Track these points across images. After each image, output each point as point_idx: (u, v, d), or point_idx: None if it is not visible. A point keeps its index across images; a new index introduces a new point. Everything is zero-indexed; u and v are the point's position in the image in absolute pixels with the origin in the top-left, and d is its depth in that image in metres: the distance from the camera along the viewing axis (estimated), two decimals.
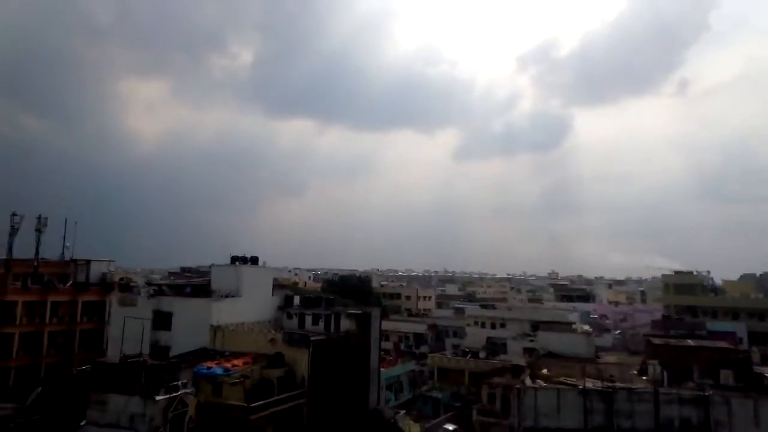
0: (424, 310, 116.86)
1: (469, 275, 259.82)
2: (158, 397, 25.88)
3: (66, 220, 53.79)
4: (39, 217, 51.98)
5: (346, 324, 50.79)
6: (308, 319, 52.19)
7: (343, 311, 50.72)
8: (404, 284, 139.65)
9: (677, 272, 73.59)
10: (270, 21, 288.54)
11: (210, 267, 55.67)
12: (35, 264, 52.76)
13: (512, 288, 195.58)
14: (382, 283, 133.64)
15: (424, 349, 74.71)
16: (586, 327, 52.47)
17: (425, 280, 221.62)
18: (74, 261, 56.82)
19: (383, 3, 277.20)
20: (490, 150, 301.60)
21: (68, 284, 53.64)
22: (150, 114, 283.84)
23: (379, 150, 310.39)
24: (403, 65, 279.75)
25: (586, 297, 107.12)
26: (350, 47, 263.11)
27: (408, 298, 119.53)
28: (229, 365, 39.50)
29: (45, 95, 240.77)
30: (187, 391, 27.86)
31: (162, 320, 47.01)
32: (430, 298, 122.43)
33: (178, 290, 49.77)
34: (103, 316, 55.52)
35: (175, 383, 27.43)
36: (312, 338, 42.06)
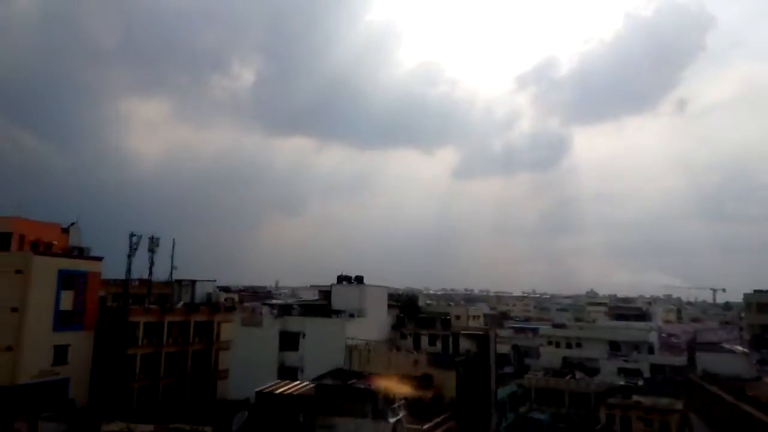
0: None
1: (486, 293, 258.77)
2: (391, 419, 25.78)
3: (174, 240, 53.89)
4: (152, 238, 52.17)
5: (465, 344, 50.70)
6: (424, 339, 52.12)
7: (460, 332, 50.64)
8: (451, 303, 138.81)
9: (757, 291, 73.38)
10: (272, 42, 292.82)
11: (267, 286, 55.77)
12: (149, 284, 52.75)
13: (535, 307, 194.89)
14: (427, 302, 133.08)
15: (508, 369, 74.16)
16: (738, 348, 52.24)
17: (447, 298, 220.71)
18: (179, 281, 56.80)
19: (385, 24, 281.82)
20: (490, 169, 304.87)
21: (180, 305, 53.57)
22: (151, 134, 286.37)
23: (379, 168, 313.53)
24: (404, 84, 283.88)
25: (642, 316, 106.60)
26: (351, 67, 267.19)
27: (458, 317, 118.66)
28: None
29: (46, 116, 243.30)
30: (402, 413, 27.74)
31: (289, 341, 46.85)
32: (479, 317, 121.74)
33: (296, 310, 49.60)
34: (210, 336, 55.40)
35: (394, 405, 27.31)
36: (456, 359, 41.96)
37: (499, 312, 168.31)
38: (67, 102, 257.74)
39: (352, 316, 47.23)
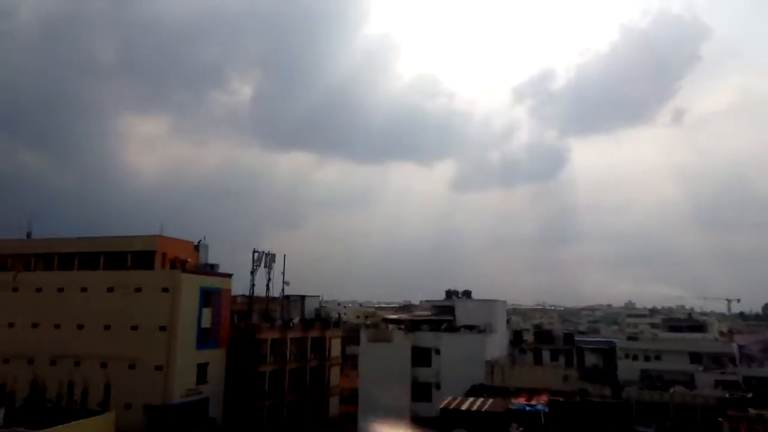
0: None
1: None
2: None
3: (285, 255, 53.73)
4: (267, 254, 52.00)
5: (591, 359, 50.63)
6: (545, 355, 52.02)
7: (585, 346, 50.56)
8: None
9: None
10: (270, 57, 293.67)
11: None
12: (267, 301, 52.60)
13: (559, 318, 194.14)
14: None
15: None
16: None
17: None
18: (288, 297, 56.66)
19: (382, 37, 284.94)
20: (489, 181, 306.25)
21: (296, 321, 53.41)
22: (149, 150, 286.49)
23: (378, 182, 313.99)
24: (402, 98, 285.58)
25: (698, 327, 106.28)
26: (350, 80, 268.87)
27: None
28: (535, 402, 39.20)
29: (43, 132, 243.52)
30: None
31: (421, 356, 46.70)
32: (528, 331, 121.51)
33: (417, 326, 49.39)
34: (323, 352, 55.22)
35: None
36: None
37: (533, 325, 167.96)
38: (64, 117, 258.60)
39: (482, 331, 47.11)
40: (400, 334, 47.89)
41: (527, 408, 37.78)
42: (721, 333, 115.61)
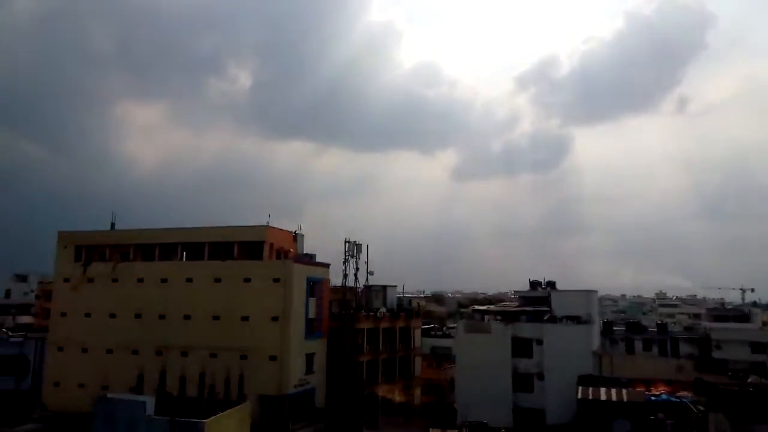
0: None
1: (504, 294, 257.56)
2: None
3: (368, 245, 53.27)
4: (354, 243, 51.55)
5: (686, 348, 50.46)
6: (638, 345, 51.88)
7: (680, 335, 50.37)
8: None
9: None
10: (269, 45, 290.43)
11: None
12: (356, 291, 52.31)
13: None
14: None
15: None
16: None
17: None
18: (370, 287, 56.36)
19: (383, 25, 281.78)
20: (491, 170, 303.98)
21: (384, 311, 53.19)
22: (148, 138, 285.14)
23: (379, 171, 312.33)
24: (403, 86, 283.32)
25: (744, 317, 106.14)
26: (350, 69, 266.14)
27: None
28: (657, 393, 39.02)
29: (41, 121, 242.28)
30: None
31: (521, 347, 46.49)
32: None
33: (515, 316, 49.15)
34: (409, 342, 55.10)
35: None
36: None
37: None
38: (62, 106, 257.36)
39: (586, 322, 46.84)
40: (498, 325, 47.67)
41: (669, 398, 37.35)
42: (764, 323, 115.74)
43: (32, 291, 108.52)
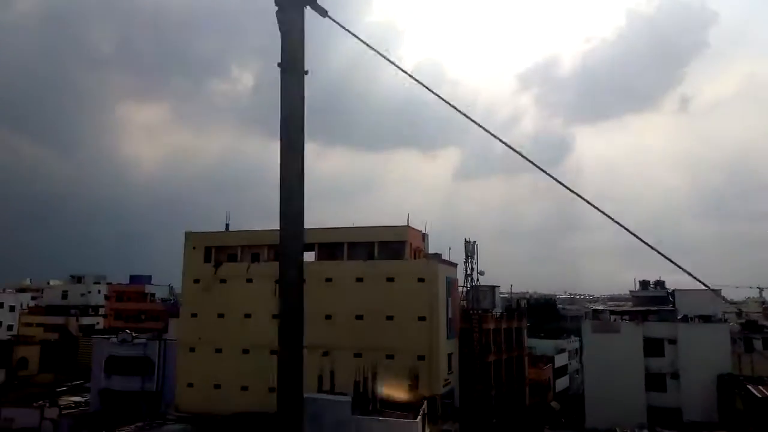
0: None
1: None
2: None
3: (476, 243, 53.02)
4: (468, 241, 51.45)
5: None
6: (756, 343, 51.64)
7: None
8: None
9: None
10: (271, 45, 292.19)
11: None
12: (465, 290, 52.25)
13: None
14: (563, 306, 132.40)
15: None
16: None
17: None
18: (478, 287, 56.30)
19: (385, 25, 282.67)
20: (493, 169, 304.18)
21: (498, 311, 53.20)
22: (150, 139, 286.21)
23: (381, 171, 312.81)
24: (405, 86, 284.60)
25: None
26: (352, 69, 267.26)
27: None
28: None
29: (43, 122, 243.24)
30: None
31: (652, 346, 46.42)
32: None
33: (644, 316, 49.14)
34: (521, 343, 55.07)
35: None
36: None
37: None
38: (65, 107, 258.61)
39: (721, 320, 46.74)
40: (629, 325, 47.61)
41: None
42: None
43: (89, 292, 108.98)
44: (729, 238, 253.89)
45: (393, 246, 43.51)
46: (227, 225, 50.35)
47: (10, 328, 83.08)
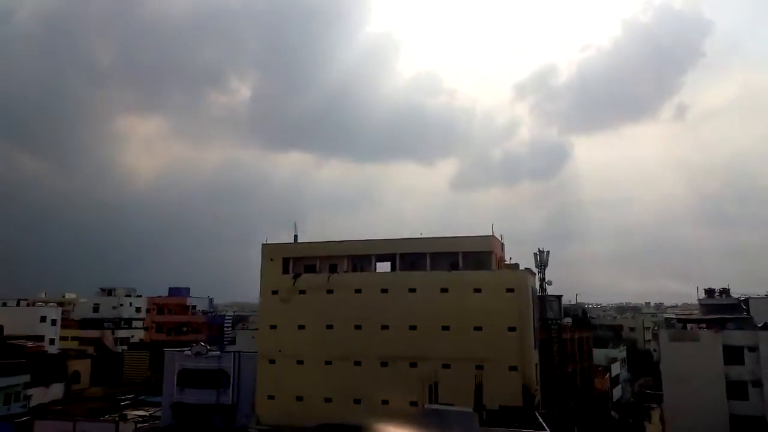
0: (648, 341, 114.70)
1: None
2: None
3: (548, 252, 52.94)
4: (540, 251, 51.45)
5: None
6: None
7: None
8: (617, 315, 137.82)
9: None
10: (270, 57, 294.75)
11: None
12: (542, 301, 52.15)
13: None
14: (591, 315, 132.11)
15: None
16: None
17: None
18: (544, 297, 56.21)
19: (383, 35, 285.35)
20: (491, 179, 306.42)
21: (568, 321, 53.11)
22: (149, 151, 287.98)
23: (380, 181, 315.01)
24: (403, 96, 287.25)
25: None
26: (350, 80, 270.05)
27: (632, 329, 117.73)
28: None
29: (43, 135, 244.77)
30: None
31: (731, 354, 46.25)
32: (649, 328, 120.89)
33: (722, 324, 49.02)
34: (590, 352, 54.92)
35: None
36: None
37: None
38: (64, 120, 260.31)
39: None
40: (708, 333, 47.51)
41: None
42: None
43: (121, 305, 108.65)
44: (725, 243, 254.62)
45: (478, 256, 43.52)
46: (296, 236, 50.40)
47: (51, 341, 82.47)
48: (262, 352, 46.68)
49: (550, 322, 47.75)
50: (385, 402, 41.44)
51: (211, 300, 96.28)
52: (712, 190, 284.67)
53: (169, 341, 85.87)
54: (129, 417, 52.64)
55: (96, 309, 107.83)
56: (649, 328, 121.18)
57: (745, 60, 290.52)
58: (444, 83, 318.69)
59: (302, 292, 46.37)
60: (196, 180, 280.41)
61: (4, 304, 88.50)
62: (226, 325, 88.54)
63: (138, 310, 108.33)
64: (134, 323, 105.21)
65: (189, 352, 49.63)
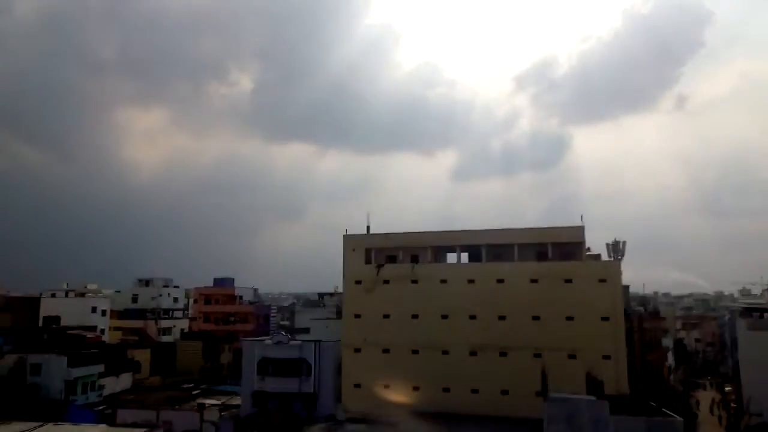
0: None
1: None
2: None
3: (624, 242, 53.07)
4: (621, 242, 51.45)
5: None
6: None
7: None
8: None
9: None
10: (270, 48, 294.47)
11: None
12: None
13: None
14: None
15: None
16: None
17: None
18: None
19: (383, 27, 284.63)
20: (490, 170, 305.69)
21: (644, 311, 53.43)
22: (150, 142, 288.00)
23: (380, 172, 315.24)
24: (404, 88, 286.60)
25: None
26: (350, 71, 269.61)
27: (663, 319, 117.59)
28: None
29: (44, 127, 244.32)
30: None
31: None
32: (679, 318, 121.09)
33: None
34: (659, 342, 55.30)
35: None
36: None
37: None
38: (65, 112, 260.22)
39: None
40: None
41: None
42: None
43: (160, 295, 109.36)
44: (724, 234, 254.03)
45: (567, 247, 43.78)
46: (368, 227, 50.75)
47: (101, 332, 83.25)
48: (347, 341, 47.18)
49: (628, 312, 47.98)
50: (504, 392, 42.01)
51: (255, 290, 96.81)
52: (711, 181, 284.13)
53: (217, 331, 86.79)
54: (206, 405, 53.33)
55: (135, 299, 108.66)
56: (679, 317, 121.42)
57: (745, 50, 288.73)
58: (444, 75, 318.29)
59: (386, 281, 46.74)
60: (198, 171, 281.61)
61: (53, 295, 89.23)
62: (272, 314, 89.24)
63: (176, 300, 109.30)
64: (173, 313, 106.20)
65: (269, 342, 50.15)
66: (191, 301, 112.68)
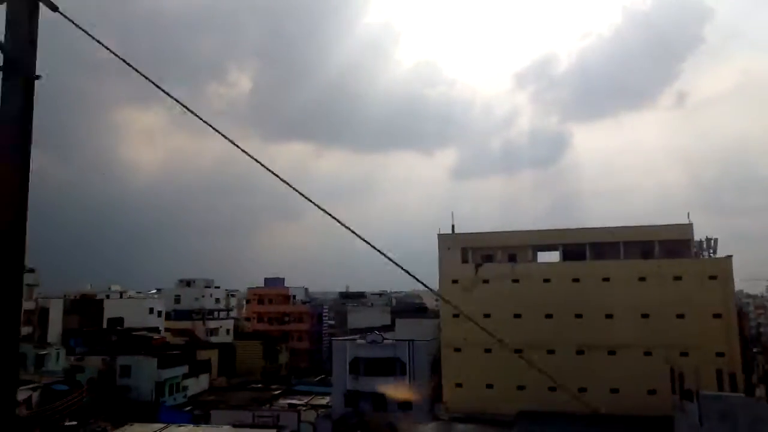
0: None
1: None
2: None
3: (716, 239, 53.04)
4: (713, 239, 51.19)
5: None
6: None
7: None
8: None
9: None
10: (269, 48, 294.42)
11: None
12: None
13: None
14: None
15: None
16: None
17: None
18: None
19: (382, 26, 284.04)
20: (490, 168, 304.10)
21: None
22: (148, 143, 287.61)
23: (379, 171, 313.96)
24: (403, 86, 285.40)
25: None
26: (350, 70, 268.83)
27: None
28: None
29: (42, 126, 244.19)
30: None
31: None
32: None
33: None
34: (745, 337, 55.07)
35: None
36: None
37: None
38: (63, 112, 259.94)
39: None
40: None
41: None
42: None
43: (203, 296, 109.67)
44: (724, 231, 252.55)
45: (674, 244, 43.65)
46: (453, 226, 50.65)
47: (159, 332, 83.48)
48: (447, 340, 47.13)
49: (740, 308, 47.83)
50: (614, 390, 41.86)
51: (306, 290, 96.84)
52: (712, 177, 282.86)
53: (271, 331, 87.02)
54: (290, 406, 53.46)
55: (177, 300, 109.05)
56: None
57: (745, 47, 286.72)
58: (443, 73, 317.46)
59: (485, 281, 46.66)
60: (197, 172, 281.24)
61: (107, 297, 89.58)
62: (324, 314, 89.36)
63: (217, 300, 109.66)
64: (218, 314, 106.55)
65: (362, 341, 50.20)
66: (235, 300, 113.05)
